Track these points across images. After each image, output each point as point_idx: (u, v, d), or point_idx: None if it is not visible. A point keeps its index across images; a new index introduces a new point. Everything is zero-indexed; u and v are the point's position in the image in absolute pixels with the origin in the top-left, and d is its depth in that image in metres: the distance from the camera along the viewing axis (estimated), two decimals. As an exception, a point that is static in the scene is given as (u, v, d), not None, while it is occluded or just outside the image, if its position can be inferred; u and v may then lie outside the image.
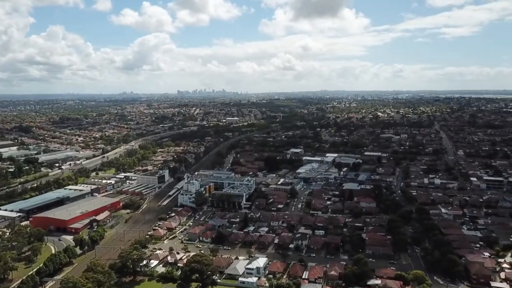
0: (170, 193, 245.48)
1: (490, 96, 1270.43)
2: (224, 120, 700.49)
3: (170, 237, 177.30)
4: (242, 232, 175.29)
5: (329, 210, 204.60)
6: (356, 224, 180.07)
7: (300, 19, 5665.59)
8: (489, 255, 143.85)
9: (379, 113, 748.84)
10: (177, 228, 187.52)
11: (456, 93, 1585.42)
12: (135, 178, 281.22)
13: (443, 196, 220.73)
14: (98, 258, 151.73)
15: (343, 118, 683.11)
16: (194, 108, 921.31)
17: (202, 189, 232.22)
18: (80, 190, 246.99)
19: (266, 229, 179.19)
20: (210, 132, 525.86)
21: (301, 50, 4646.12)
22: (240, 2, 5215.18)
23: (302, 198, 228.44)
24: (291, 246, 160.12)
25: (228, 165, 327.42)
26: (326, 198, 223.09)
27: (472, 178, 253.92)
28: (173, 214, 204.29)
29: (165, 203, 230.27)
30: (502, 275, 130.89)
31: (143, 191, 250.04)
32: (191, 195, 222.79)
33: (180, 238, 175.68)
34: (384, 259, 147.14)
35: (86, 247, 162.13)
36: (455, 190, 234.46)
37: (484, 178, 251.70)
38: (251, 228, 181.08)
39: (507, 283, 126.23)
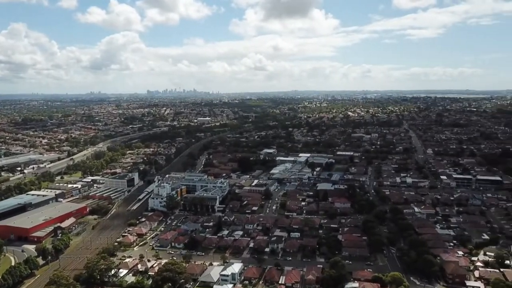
0: (140, 197, 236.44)
1: (454, 95, 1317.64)
2: (195, 120, 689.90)
3: (141, 243, 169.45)
4: (216, 237, 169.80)
5: (304, 211, 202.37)
6: (331, 225, 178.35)
7: (271, 20, 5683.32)
8: (462, 253, 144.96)
9: (349, 113, 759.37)
10: (148, 234, 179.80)
11: (421, 92, 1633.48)
12: (103, 181, 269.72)
13: (415, 195, 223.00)
14: (63, 268, 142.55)
15: (315, 118, 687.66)
16: (164, 108, 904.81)
17: (174, 192, 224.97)
18: (44, 196, 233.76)
19: (240, 232, 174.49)
20: (181, 132, 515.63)
21: (272, 50, 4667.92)
22: (210, 2, 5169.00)
23: (276, 199, 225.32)
24: (267, 250, 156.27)
25: (201, 166, 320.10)
26: (300, 199, 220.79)
27: (442, 177, 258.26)
28: (143, 219, 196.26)
29: (134, 207, 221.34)
30: (476, 273, 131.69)
31: (111, 195, 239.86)
32: (162, 199, 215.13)
33: (151, 244, 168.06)
34: (360, 260, 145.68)
35: (49, 257, 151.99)
36: (427, 188, 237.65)
37: (454, 176, 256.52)
38: (225, 232, 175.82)
39: (481, 282, 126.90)
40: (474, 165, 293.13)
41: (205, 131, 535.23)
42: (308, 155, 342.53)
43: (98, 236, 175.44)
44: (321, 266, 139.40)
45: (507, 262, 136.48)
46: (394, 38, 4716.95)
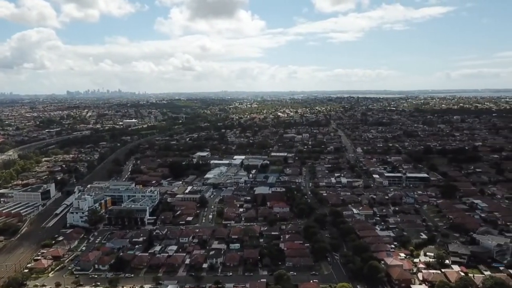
0: (57, 212, 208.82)
1: (374, 95, 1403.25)
2: (121, 123, 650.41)
3: (57, 268, 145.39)
4: (147, 254, 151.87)
5: (243, 219, 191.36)
6: (272, 233, 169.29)
7: (197, 19, 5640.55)
8: (404, 255, 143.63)
9: (279, 113, 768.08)
10: (66, 256, 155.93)
11: (344, 93, 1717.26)
12: (12, 195, 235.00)
13: (352, 195, 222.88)
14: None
15: (247, 118, 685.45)
16: (86, 110, 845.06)
17: (97, 205, 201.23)
18: None
19: (175, 247, 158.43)
20: (105, 136, 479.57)
21: (200, 50, 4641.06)
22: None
23: (212, 207, 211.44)
24: (205, 265, 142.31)
25: (127, 173, 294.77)
26: (238, 205, 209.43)
27: (374, 175, 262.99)
28: (60, 238, 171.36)
29: (50, 224, 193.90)
30: (420, 276, 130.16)
31: (22, 211, 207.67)
32: (83, 213, 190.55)
33: (70, 268, 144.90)
34: (305, 270, 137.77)
35: None
36: (361, 188, 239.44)
37: (386, 174, 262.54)
38: (157, 248, 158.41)
39: (426, 285, 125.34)
40: (401, 163, 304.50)
41: (131, 134, 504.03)
42: (243, 157, 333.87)
43: (4, 263, 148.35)
44: (265, 280, 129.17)
45: (447, 261, 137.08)
46: (317, 40, 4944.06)
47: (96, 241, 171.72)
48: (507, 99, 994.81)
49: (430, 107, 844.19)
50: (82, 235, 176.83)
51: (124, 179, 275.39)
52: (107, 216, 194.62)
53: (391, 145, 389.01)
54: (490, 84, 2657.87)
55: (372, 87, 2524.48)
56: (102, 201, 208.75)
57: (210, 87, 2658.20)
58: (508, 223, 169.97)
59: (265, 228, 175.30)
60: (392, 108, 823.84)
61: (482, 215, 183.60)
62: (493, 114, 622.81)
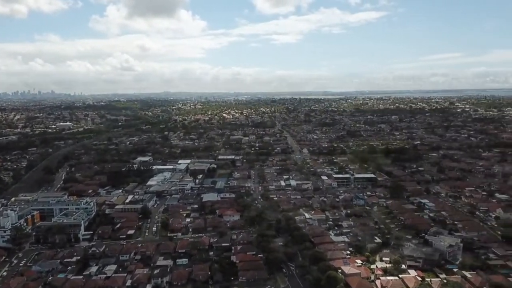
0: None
1: (315, 97, 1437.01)
2: (53, 126, 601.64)
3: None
4: (81, 277, 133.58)
5: (190, 230, 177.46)
6: (223, 245, 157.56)
7: (135, 18, 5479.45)
8: (361, 262, 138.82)
9: (224, 115, 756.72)
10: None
11: (287, 94, 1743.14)
12: None
13: (302, 198, 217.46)
14: None
15: (191, 120, 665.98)
16: (14, 113, 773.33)
17: (22, 221, 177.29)
18: None
19: (114, 267, 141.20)
20: (35, 141, 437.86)
21: (139, 50, 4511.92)
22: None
23: (156, 217, 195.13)
24: (149, 286, 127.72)
25: (60, 183, 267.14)
26: (184, 215, 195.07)
27: (323, 177, 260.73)
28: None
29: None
30: (378, 283, 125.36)
31: None
32: (4, 231, 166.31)
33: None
34: (260, 285, 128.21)
35: None
36: (311, 191, 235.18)
37: (334, 176, 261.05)
38: (94, 268, 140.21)
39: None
40: (347, 163, 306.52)
41: (65, 139, 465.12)
42: (189, 161, 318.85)
43: None
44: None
45: (403, 266, 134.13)
46: (260, 42, 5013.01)
47: (21, 264, 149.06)
48: (437, 99, 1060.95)
49: (369, 107, 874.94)
50: (4, 258, 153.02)
51: (55, 190, 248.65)
52: (34, 233, 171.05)
53: (335, 145, 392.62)
54: (419, 86, 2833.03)
55: (313, 88, 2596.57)
56: (29, 216, 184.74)
57: (152, 88, 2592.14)
58: (456, 222, 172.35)
59: (215, 240, 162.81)
60: (334, 109, 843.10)
61: (431, 214, 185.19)
62: (427, 114, 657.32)
